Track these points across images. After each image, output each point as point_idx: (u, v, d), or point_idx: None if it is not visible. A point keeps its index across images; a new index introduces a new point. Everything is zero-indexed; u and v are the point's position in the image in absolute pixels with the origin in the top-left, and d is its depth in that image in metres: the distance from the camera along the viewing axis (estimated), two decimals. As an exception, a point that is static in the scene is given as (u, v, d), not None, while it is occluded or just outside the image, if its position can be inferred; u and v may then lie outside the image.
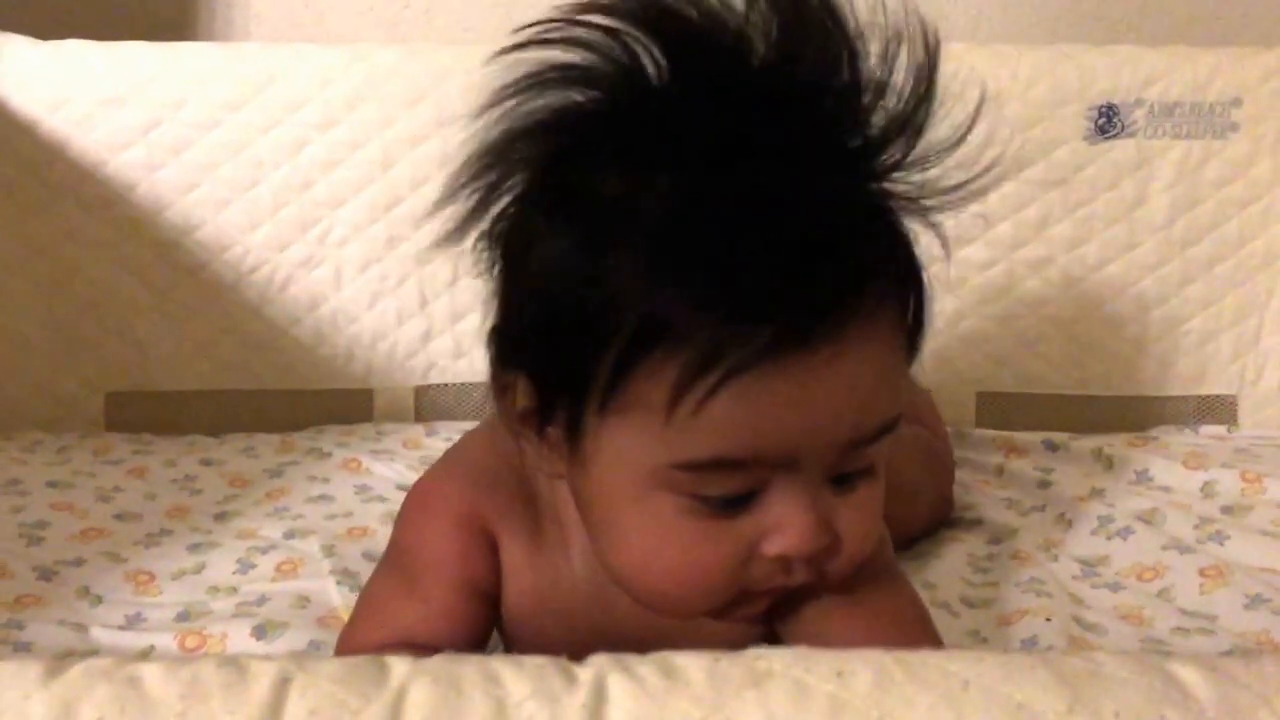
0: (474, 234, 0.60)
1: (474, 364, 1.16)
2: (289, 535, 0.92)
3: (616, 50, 0.57)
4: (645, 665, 0.40)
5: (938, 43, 0.58)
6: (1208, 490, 0.98)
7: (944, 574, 0.87)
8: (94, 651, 0.76)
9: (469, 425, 0.95)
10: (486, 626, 0.69)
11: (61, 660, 0.40)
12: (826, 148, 0.57)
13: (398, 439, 1.12)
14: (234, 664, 0.39)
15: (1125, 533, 0.91)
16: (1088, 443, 1.08)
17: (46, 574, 0.85)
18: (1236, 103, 1.13)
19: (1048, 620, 0.79)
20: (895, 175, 0.58)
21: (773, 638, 0.67)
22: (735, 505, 0.58)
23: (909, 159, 0.58)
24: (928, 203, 0.59)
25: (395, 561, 0.71)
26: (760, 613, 0.63)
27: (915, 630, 0.66)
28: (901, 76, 0.57)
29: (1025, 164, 1.14)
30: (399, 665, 0.40)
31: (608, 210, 0.55)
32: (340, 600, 0.82)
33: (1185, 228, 1.15)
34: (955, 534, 0.94)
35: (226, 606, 0.82)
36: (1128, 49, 1.16)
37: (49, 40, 1.14)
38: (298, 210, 1.16)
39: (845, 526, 0.59)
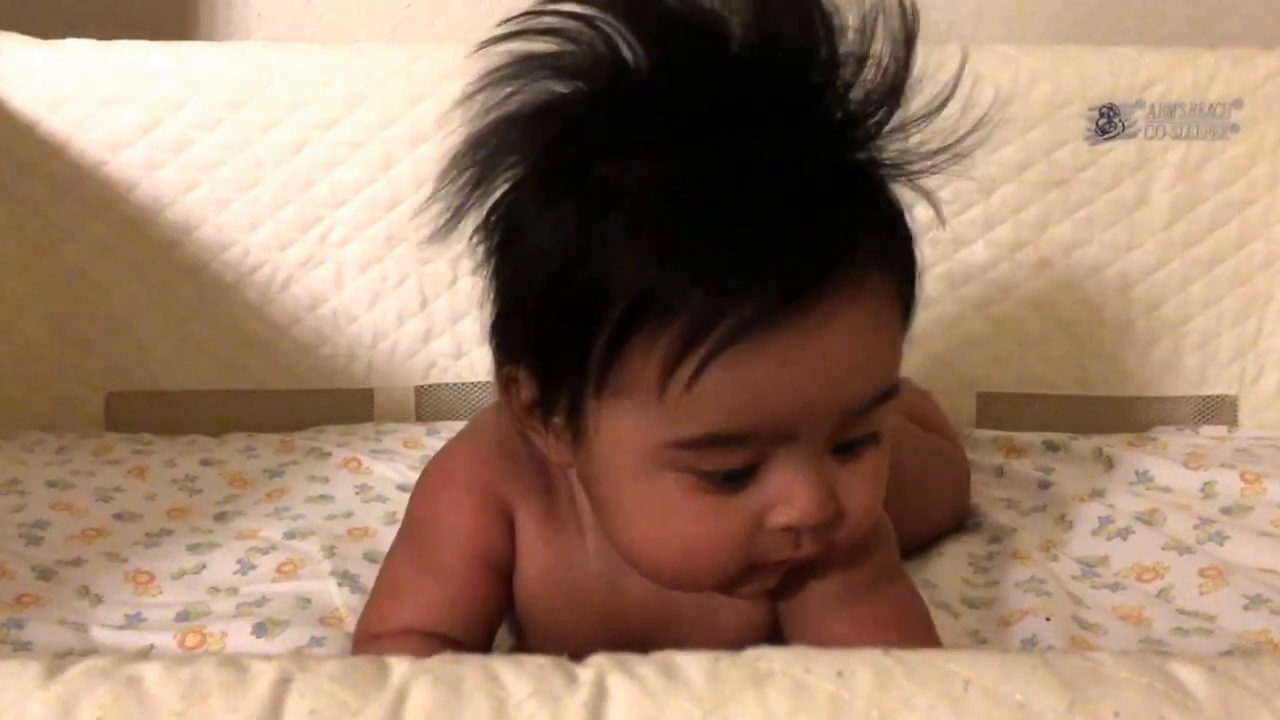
0: (469, 227, 0.61)
1: (474, 364, 1.16)
2: (289, 535, 0.92)
3: (596, 39, 0.57)
4: (646, 665, 0.40)
5: (915, 11, 0.58)
6: (1208, 491, 0.98)
7: (944, 574, 0.87)
8: (94, 651, 0.76)
9: (469, 425, 0.96)
10: (501, 604, 0.69)
11: (61, 660, 0.40)
12: (809, 121, 0.57)
13: (398, 439, 1.12)
14: (234, 663, 0.39)
15: (1125, 533, 0.91)
16: (1088, 443, 1.08)
17: (46, 574, 0.85)
18: (1237, 104, 1.13)
19: (1048, 620, 0.79)
20: (879, 143, 0.58)
21: (777, 627, 0.67)
22: (738, 480, 0.58)
23: (891, 126, 0.58)
24: (914, 168, 0.59)
25: (412, 536, 0.71)
26: (770, 588, 0.63)
27: (916, 630, 0.66)
28: (880, 47, 0.57)
29: (1026, 165, 1.14)
30: (399, 665, 0.40)
31: (595, 191, 0.56)
32: (341, 601, 0.82)
33: (1186, 228, 1.15)
34: (955, 534, 0.94)
35: (227, 607, 0.82)
36: (1128, 50, 1.15)
37: (49, 40, 1.14)
38: (298, 210, 1.16)
39: (848, 495, 0.59)
